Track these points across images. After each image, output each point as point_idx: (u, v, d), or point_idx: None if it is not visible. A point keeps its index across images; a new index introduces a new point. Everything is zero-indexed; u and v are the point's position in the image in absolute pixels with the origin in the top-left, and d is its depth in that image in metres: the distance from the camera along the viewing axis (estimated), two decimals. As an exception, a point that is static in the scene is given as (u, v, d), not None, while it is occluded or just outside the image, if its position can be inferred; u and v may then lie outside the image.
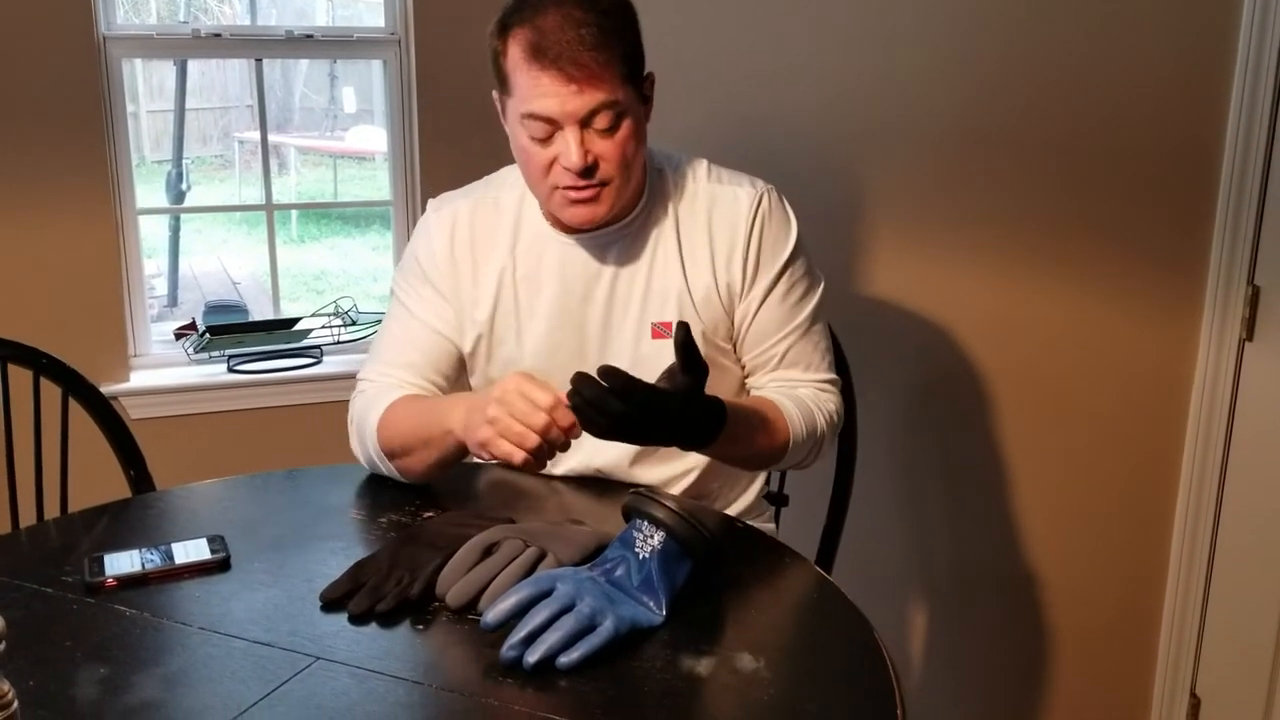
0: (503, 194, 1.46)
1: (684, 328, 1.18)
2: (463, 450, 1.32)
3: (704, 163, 1.46)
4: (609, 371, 1.15)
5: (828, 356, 1.48)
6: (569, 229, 1.41)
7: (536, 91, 1.27)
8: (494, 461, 1.24)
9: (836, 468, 1.73)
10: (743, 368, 1.49)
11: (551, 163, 1.31)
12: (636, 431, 1.19)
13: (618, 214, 1.39)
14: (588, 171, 1.30)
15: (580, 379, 1.16)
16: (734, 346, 1.46)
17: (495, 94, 1.37)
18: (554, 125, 1.29)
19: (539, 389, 1.19)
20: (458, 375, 1.49)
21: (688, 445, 1.28)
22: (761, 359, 1.45)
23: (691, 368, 1.20)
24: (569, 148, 1.28)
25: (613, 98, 1.28)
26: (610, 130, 1.30)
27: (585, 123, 1.29)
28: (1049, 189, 1.98)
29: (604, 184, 1.32)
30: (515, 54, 1.28)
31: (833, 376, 1.48)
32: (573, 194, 1.32)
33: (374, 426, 1.38)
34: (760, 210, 1.41)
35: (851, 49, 2.10)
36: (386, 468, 1.39)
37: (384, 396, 1.41)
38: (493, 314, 1.44)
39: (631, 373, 1.16)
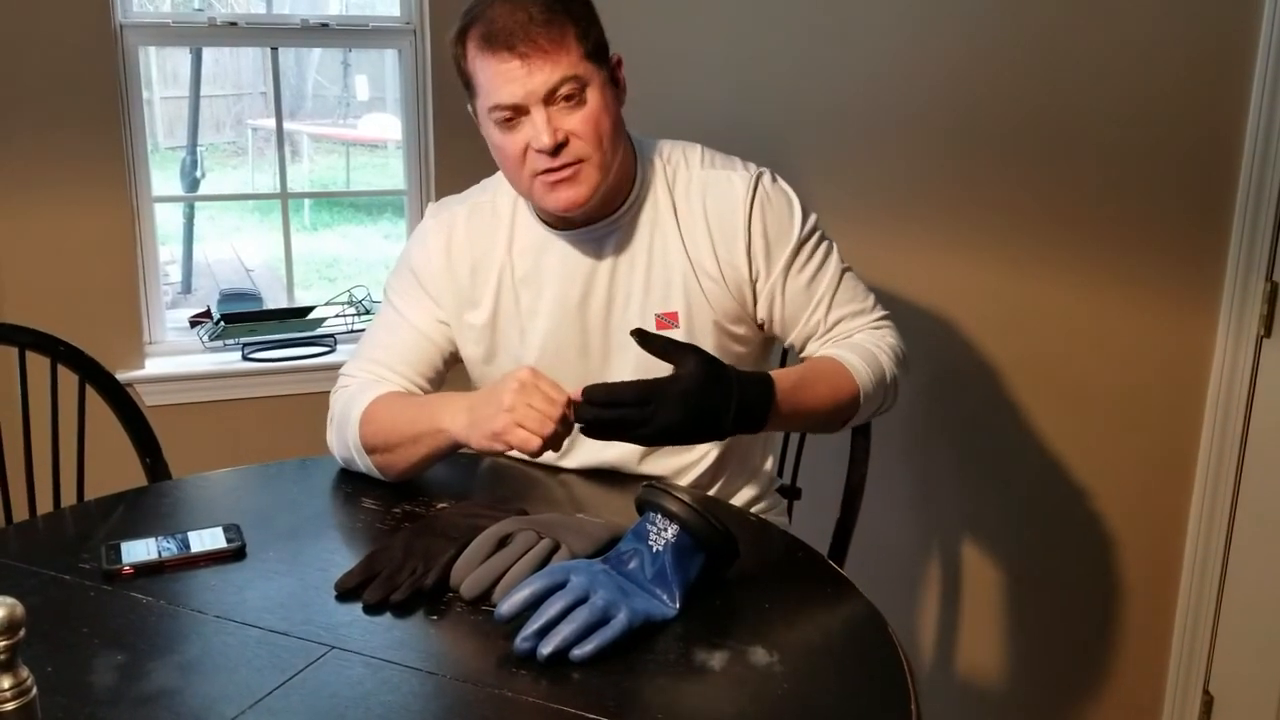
0: (498, 198, 1.46)
1: (637, 333, 1.23)
2: (453, 448, 1.32)
3: (698, 148, 1.46)
4: (590, 390, 1.19)
5: (870, 297, 1.48)
6: (562, 224, 1.41)
7: (496, 80, 1.28)
8: (496, 454, 1.25)
9: (850, 461, 1.72)
10: (790, 346, 1.49)
11: (525, 150, 1.31)
12: (664, 429, 1.19)
13: (607, 203, 1.38)
14: (559, 149, 1.29)
15: (579, 410, 1.20)
16: (763, 327, 1.46)
17: (469, 105, 1.37)
18: (519, 111, 1.29)
19: (550, 382, 1.23)
20: (441, 380, 1.49)
21: (742, 425, 1.25)
22: (809, 329, 1.45)
23: (675, 352, 1.21)
24: (536, 128, 1.28)
25: (572, 72, 1.28)
26: (575, 104, 1.29)
27: (549, 100, 1.28)
28: (1066, 183, 1.96)
29: (579, 161, 1.31)
30: (472, 51, 1.30)
31: (881, 313, 1.48)
32: (550, 177, 1.31)
33: (357, 420, 1.38)
34: (757, 196, 1.40)
35: (866, 41, 2.09)
36: (364, 463, 1.39)
37: (368, 391, 1.41)
38: (493, 316, 1.45)
39: (639, 364, 1.18)
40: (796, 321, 1.44)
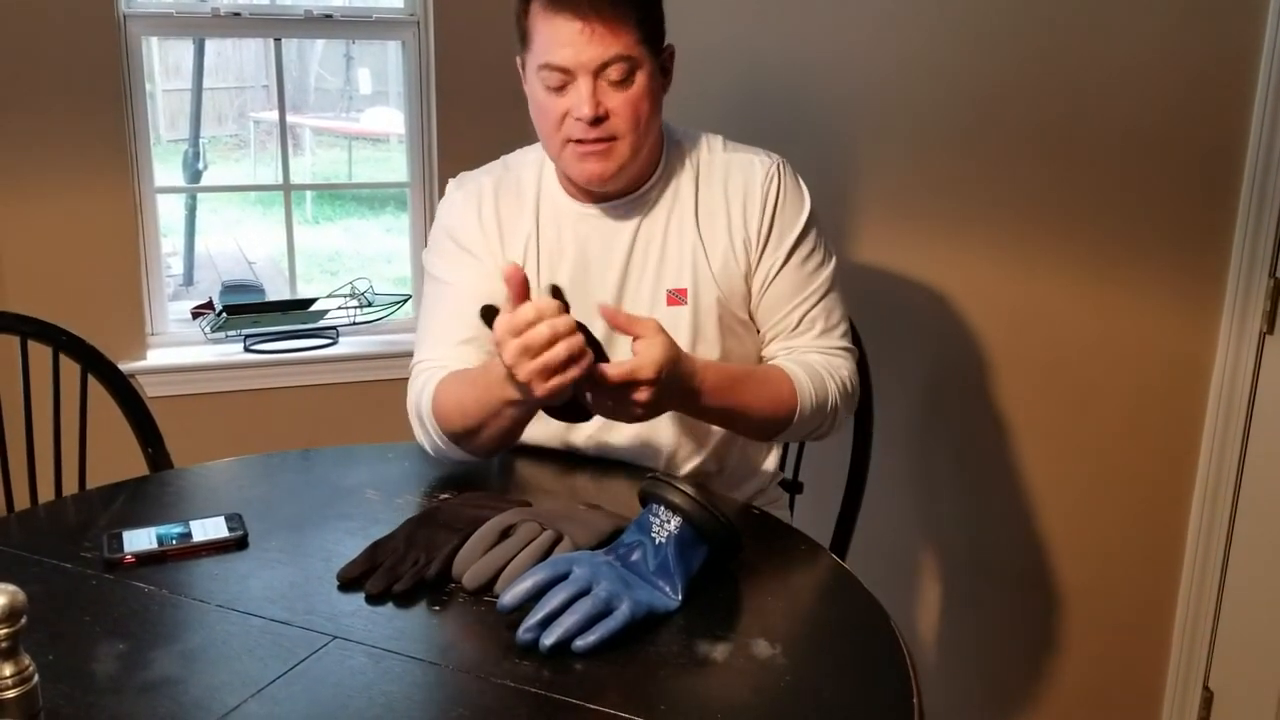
0: (523, 172, 1.49)
1: (552, 288, 1.20)
2: (535, 408, 1.30)
3: (719, 137, 1.51)
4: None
5: (842, 325, 1.49)
6: (586, 197, 1.43)
7: (553, 40, 1.30)
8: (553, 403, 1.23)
9: (852, 455, 1.72)
10: (762, 337, 1.50)
11: (564, 115, 1.34)
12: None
13: (632, 181, 1.42)
14: (597, 121, 1.32)
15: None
16: (750, 315, 1.47)
17: (518, 57, 1.40)
18: (568, 76, 1.32)
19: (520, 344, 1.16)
20: None
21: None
22: (779, 325, 1.46)
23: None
24: (580, 97, 1.31)
25: (627, 52, 1.31)
26: (623, 83, 1.32)
27: (598, 74, 1.31)
28: (1070, 180, 1.96)
29: (614, 138, 1.34)
30: (536, 7, 1.32)
31: (847, 345, 1.48)
32: (583, 148, 1.34)
33: (431, 419, 1.37)
34: (776, 180, 1.44)
35: (875, 41, 2.09)
36: (458, 454, 1.38)
37: (430, 385, 1.39)
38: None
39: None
40: (774, 313, 1.46)
